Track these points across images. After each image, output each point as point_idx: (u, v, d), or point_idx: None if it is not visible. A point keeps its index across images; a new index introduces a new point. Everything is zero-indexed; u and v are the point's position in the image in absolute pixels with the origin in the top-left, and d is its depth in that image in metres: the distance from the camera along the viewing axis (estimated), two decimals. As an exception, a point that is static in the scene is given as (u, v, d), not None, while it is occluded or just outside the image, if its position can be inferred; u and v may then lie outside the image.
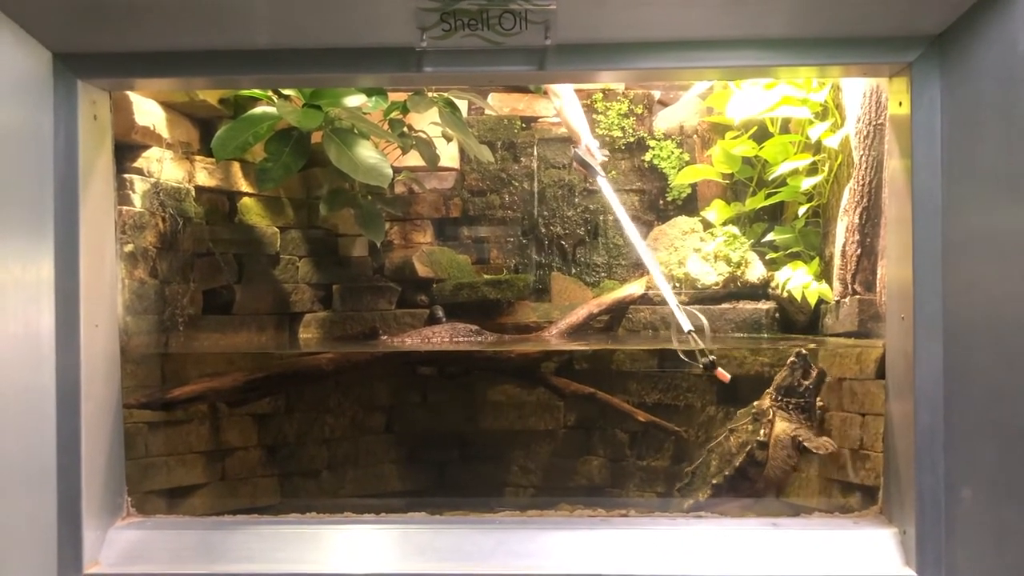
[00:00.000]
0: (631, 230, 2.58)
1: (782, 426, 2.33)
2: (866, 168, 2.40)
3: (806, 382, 2.33)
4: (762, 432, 2.34)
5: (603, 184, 2.70)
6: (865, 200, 2.42)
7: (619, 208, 2.61)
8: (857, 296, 2.47)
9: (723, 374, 2.32)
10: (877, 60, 1.73)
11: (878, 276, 2.35)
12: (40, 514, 1.72)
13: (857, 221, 2.45)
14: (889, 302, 1.88)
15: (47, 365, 1.72)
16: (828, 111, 2.62)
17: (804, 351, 2.35)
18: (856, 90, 2.44)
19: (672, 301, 2.42)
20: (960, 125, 1.65)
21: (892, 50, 1.70)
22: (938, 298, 1.70)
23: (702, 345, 2.32)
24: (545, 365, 2.90)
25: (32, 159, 1.69)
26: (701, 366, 2.32)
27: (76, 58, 1.74)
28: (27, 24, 1.63)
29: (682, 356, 2.37)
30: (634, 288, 2.98)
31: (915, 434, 1.72)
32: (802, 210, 2.75)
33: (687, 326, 2.35)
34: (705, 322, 2.36)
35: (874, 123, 2.37)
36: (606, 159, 2.90)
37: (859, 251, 2.45)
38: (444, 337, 2.76)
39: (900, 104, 1.76)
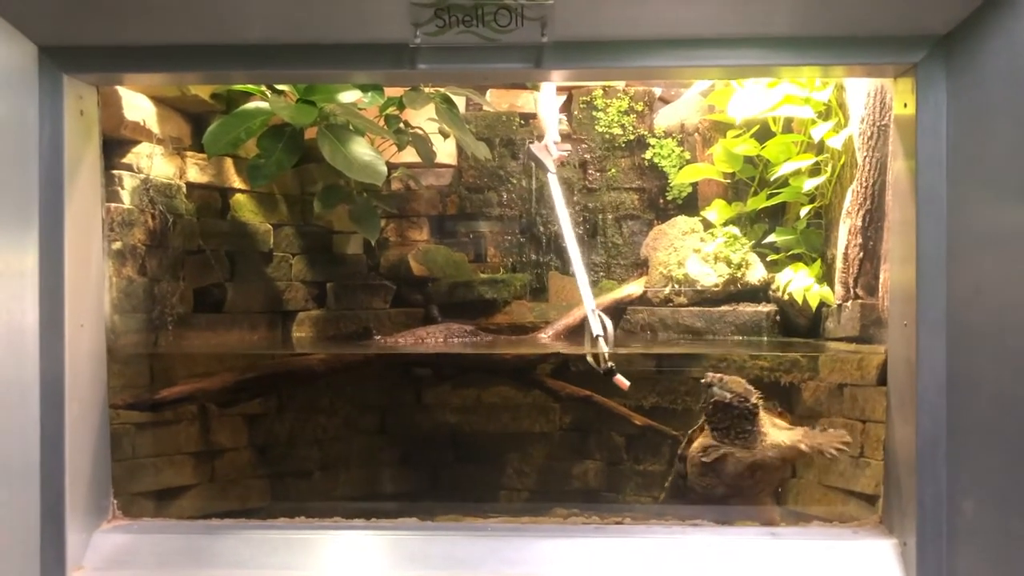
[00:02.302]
0: (567, 227, 2.65)
1: (700, 443, 2.24)
2: (869, 170, 2.36)
3: (723, 406, 2.15)
4: (680, 447, 2.30)
5: (552, 181, 2.75)
6: (868, 202, 2.38)
7: (561, 206, 2.69)
8: (859, 300, 2.43)
9: (622, 381, 2.29)
10: (882, 60, 1.69)
11: (881, 280, 2.31)
12: (22, 516, 1.68)
13: (860, 223, 2.41)
14: (892, 307, 1.84)
15: (31, 364, 1.69)
16: (831, 111, 2.58)
17: (716, 377, 2.17)
18: (860, 90, 2.40)
19: (588, 304, 2.45)
20: (966, 127, 1.62)
21: (897, 50, 1.67)
22: (942, 303, 1.66)
23: (605, 350, 2.32)
24: (541, 367, 2.87)
25: (16, 155, 1.66)
26: (602, 372, 2.32)
27: (62, 52, 1.71)
28: (11, 16, 1.60)
29: (589, 361, 2.38)
30: (633, 288, 2.95)
31: (917, 443, 1.68)
32: (804, 211, 2.71)
33: (596, 330, 2.36)
34: (610, 327, 2.38)
35: (878, 124, 2.33)
36: (566, 155, 2.96)
37: (861, 254, 2.41)
38: (439, 337, 2.72)
39: (905, 105, 1.73)
